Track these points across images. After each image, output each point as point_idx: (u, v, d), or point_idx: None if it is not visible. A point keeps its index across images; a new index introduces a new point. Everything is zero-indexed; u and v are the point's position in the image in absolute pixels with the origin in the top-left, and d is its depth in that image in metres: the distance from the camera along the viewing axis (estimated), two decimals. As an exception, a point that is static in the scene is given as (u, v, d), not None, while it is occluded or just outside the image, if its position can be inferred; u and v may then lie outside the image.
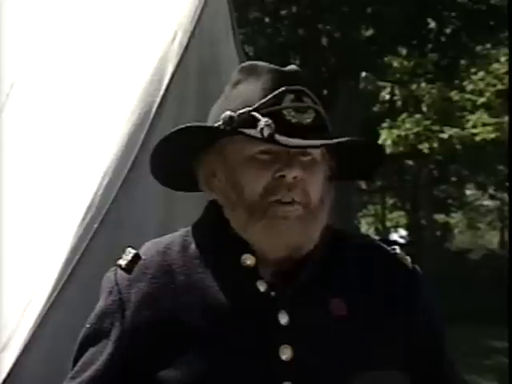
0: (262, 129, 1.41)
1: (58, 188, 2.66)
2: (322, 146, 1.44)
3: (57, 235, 2.55)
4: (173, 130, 1.51)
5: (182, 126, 1.50)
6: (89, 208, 2.54)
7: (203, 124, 1.51)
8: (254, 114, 1.45)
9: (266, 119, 1.42)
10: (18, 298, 2.49)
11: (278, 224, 1.43)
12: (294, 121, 1.45)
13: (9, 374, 2.38)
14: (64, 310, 2.43)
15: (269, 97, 1.46)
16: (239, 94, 1.50)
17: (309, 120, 1.46)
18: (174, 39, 2.81)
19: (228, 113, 1.46)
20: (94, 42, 2.98)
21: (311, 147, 1.43)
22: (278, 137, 1.41)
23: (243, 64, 1.56)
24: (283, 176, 1.43)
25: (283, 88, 1.47)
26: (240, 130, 1.45)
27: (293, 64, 1.57)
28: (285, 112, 1.45)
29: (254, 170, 1.45)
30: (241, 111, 1.46)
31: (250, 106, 1.46)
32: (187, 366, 1.43)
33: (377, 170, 1.61)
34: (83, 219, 2.53)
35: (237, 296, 1.47)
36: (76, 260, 2.49)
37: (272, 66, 1.53)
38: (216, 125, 1.48)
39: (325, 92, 15.10)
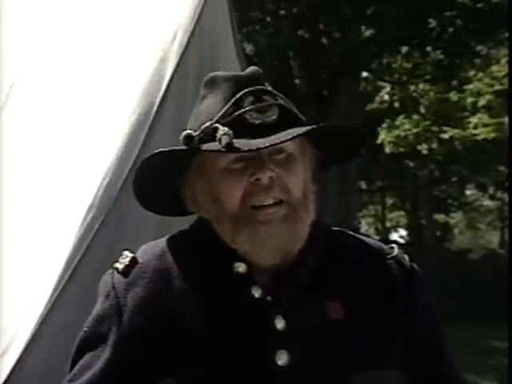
0: (219, 139, 1.40)
1: (58, 188, 2.66)
2: (282, 142, 1.41)
3: (58, 235, 2.55)
4: (142, 161, 1.52)
5: (149, 155, 1.50)
6: (90, 208, 2.54)
7: (165, 149, 1.49)
8: (216, 125, 1.44)
9: (224, 129, 1.41)
10: (20, 298, 2.49)
11: (260, 230, 1.42)
12: (257, 122, 1.44)
13: (10, 374, 2.38)
14: (65, 310, 2.43)
15: (228, 105, 1.45)
16: (204, 109, 1.50)
17: (273, 117, 1.45)
18: (174, 39, 2.81)
19: (185, 132, 1.46)
20: (93, 42, 2.98)
21: (271, 146, 1.40)
22: (238, 142, 1.40)
23: (206, 77, 1.55)
24: (258, 179, 1.42)
25: (241, 92, 1.46)
26: (200, 146, 1.44)
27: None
28: (246, 115, 1.44)
29: (230, 180, 1.44)
30: (204, 126, 1.45)
31: (213, 119, 1.45)
32: (184, 370, 1.43)
33: (362, 147, 1.59)
34: (84, 219, 2.53)
35: (233, 302, 1.46)
36: (77, 260, 2.48)
37: (230, 73, 1.52)
38: (177, 148, 1.48)
39: (325, 92, 15.11)
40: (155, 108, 2.69)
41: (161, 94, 2.71)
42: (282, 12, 15.30)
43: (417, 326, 1.54)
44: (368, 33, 15.31)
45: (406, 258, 1.59)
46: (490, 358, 10.16)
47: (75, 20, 3.10)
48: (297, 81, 15.54)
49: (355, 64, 14.13)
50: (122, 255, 1.54)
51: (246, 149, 1.40)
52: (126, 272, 1.51)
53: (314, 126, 1.46)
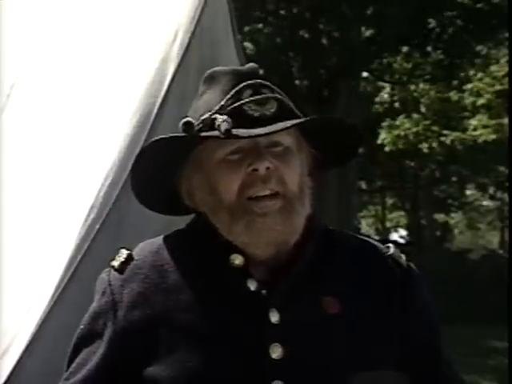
0: (219, 125, 1.42)
1: (60, 189, 2.66)
2: (283, 129, 1.43)
3: (59, 236, 2.55)
4: (139, 152, 1.53)
5: (146, 145, 1.51)
6: (91, 209, 2.54)
7: (163, 136, 1.50)
8: (215, 115, 1.45)
9: (223, 116, 1.43)
10: (21, 298, 2.49)
11: (257, 222, 1.43)
12: (256, 114, 1.45)
13: (10, 374, 2.38)
14: (66, 310, 2.43)
15: (227, 97, 1.47)
16: (203, 103, 1.51)
17: (272, 110, 1.46)
18: (174, 40, 2.81)
19: (184, 119, 1.47)
20: (94, 43, 2.97)
21: (271, 133, 1.42)
22: (236, 130, 1.41)
23: (205, 74, 1.56)
24: (256, 170, 1.43)
25: (240, 85, 1.47)
26: (199, 134, 1.45)
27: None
28: (245, 107, 1.45)
29: (227, 171, 1.45)
30: (202, 117, 1.46)
31: (211, 111, 1.47)
32: (178, 364, 1.43)
33: (359, 146, 1.60)
34: (85, 220, 2.53)
35: (228, 295, 1.47)
36: (78, 260, 2.49)
37: (229, 68, 1.54)
38: (176, 134, 1.49)
39: (325, 92, 15.11)
40: (156, 109, 2.69)
41: (162, 94, 2.71)
42: (282, 12, 15.31)
43: (414, 326, 1.54)
44: (368, 33, 15.32)
45: (403, 257, 1.59)
46: (490, 357, 10.16)
47: (76, 21, 3.10)
48: (297, 81, 15.55)
49: (355, 64, 14.14)
50: (118, 253, 1.55)
51: (246, 135, 1.41)
52: (121, 269, 1.51)
53: (313, 117, 1.47)
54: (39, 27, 3.19)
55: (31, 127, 2.90)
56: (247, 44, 14.47)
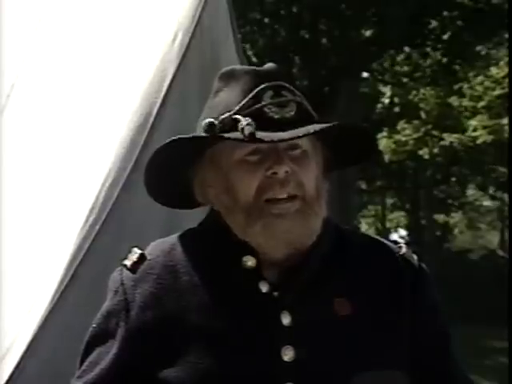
0: (242, 129, 1.42)
1: (60, 190, 2.66)
2: (306, 135, 1.44)
3: (60, 237, 2.55)
4: (157, 148, 1.52)
5: (166, 142, 1.50)
6: (91, 209, 2.54)
7: (185, 136, 1.50)
8: (236, 116, 1.45)
9: (247, 119, 1.43)
10: (22, 299, 2.49)
11: (275, 224, 1.44)
12: (276, 116, 1.46)
13: (11, 375, 2.38)
14: (67, 311, 2.44)
15: (248, 97, 1.47)
16: (220, 101, 1.51)
17: (292, 113, 1.47)
18: (174, 40, 2.81)
19: (207, 120, 1.47)
20: (94, 43, 2.97)
21: (294, 138, 1.43)
22: (259, 134, 1.41)
23: (222, 70, 1.56)
24: (275, 173, 1.44)
25: (261, 86, 1.47)
26: (221, 134, 1.45)
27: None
28: (266, 109, 1.46)
29: (246, 172, 1.45)
30: (223, 116, 1.47)
31: (231, 110, 1.47)
32: (190, 365, 1.44)
33: (373, 151, 1.61)
34: (86, 221, 2.53)
35: (240, 297, 1.47)
36: (79, 261, 2.49)
37: (249, 67, 1.54)
38: (198, 134, 1.49)
39: (325, 92, 15.11)
40: (156, 109, 2.69)
41: (162, 94, 2.71)
42: (282, 12, 15.31)
43: (424, 325, 1.54)
44: (368, 33, 15.32)
45: (415, 257, 1.60)
46: (490, 358, 10.16)
47: (76, 21, 3.10)
48: (297, 81, 15.55)
49: (355, 64, 14.15)
50: (130, 252, 1.55)
51: (269, 140, 1.41)
52: (134, 268, 1.52)
53: (335, 123, 1.47)
54: (39, 27, 3.19)
55: (31, 127, 2.90)
56: (247, 44, 14.47)
